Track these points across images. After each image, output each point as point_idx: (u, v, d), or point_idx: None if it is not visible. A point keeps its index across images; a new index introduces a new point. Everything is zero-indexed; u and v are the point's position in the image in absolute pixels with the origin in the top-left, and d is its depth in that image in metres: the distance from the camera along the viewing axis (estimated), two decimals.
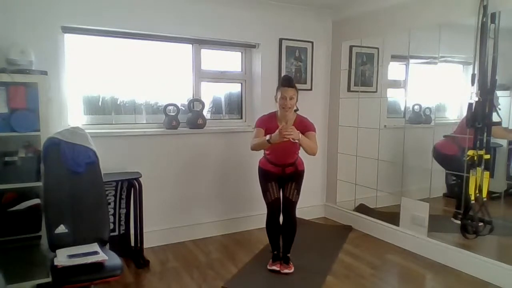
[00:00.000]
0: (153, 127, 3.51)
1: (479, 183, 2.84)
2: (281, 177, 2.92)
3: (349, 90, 4.07)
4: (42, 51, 2.78)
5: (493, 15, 2.72)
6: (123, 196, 3.23)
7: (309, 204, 4.15)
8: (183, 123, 3.57)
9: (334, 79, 4.19)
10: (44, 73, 2.60)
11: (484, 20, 2.73)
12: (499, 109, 2.83)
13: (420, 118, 3.74)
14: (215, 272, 2.96)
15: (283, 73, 3.87)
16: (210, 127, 3.67)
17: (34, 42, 2.75)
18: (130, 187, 3.19)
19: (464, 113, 2.87)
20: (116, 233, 3.22)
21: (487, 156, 2.82)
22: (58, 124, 2.77)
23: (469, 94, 2.83)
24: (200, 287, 2.74)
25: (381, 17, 3.57)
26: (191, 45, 3.64)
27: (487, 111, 2.78)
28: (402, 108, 3.75)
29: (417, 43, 3.29)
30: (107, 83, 3.36)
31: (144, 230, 3.15)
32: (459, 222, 3.03)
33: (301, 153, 2.84)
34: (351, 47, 4.01)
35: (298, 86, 3.83)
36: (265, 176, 2.95)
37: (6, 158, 2.56)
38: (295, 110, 2.86)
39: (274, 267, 2.94)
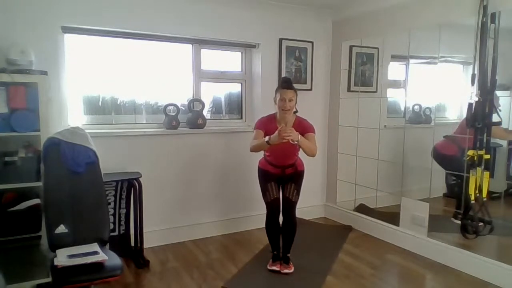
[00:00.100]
0: (153, 127, 3.51)
1: (479, 183, 2.84)
2: (280, 177, 2.93)
3: (349, 90, 4.07)
4: (42, 51, 2.78)
5: (493, 15, 2.72)
6: (123, 196, 3.23)
7: (309, 204, 4.15)
8: (183, 123, 3.57)
9: (334, 79, 4.19)
10: (44, 73, 2.60)
11: (484, 20, 2.73)
12: (500, 110, 2.83)
13: (420, 118, 3.74)
14: (215, 272, 2.96)
15: (283, 73, 3.88)
16: (210, 127, 3.67)
17: (34, 42, 2.75)
18: (130, 187, 3.19)
19: (464, 113, 2.87)
20: (116, 233, 3.22)
21: (487, 156, 2.82)
22: (58, 124, 2.77)
23: (469, 94, 2.83)
24: (200, 287, 2.74)
25: (381, 17, 3.57)
26: (191, 45, 3.64)
27: (487, 111, 2.78)
28: (402, 108, 3.75)
29: (417, 43, 3.29)
30: (107, 83, 3.36)
31: (144, 230, 3.15)
32: (459, 222, 3.03)
33: (301, 154, 2.84)
34: (351, 47, 4.01)
35: (298, 86, 3.86)
36: (264, 177, 2.95)
37: (6, 158, 2.56)
38: (295, 112, 2.87)
39: (274, 267, 2.94)
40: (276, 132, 2.52)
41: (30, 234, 2.56)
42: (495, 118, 2.82)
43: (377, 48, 3.92)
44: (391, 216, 3.60)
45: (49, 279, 2.31)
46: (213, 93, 3.91)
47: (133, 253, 3.16)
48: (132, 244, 3.24)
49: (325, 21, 4.12)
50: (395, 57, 3.83)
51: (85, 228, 2.31)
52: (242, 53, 3.94)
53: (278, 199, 2.93)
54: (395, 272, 3.10)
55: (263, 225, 3.03)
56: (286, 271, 2.90)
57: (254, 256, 3.24)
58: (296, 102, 2.80)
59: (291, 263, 2.96)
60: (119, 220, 3.24)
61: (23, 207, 2.58)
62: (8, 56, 2.57)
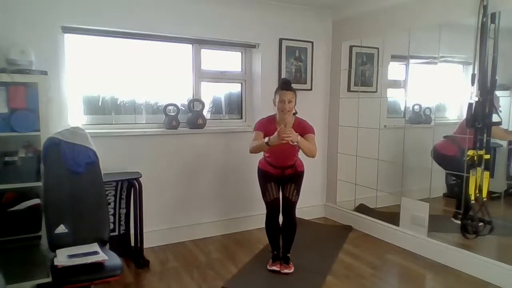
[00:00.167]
0: (153, 127, 3.51)
1: (479, 183, 2.84)
2: (280, 178, 2.93)
3: (349, 90, 4.07)
4: (42, 51, 2.78)
5: (493, 15, 2.72)
6: (123, 196, 3.23)
7: (309, 204, 4.15)
8: (183, 123, 3.57)
9: (334, 79, 4.19)
10: (44, 73, 2.60)
11: (484, 20, 2.73)
12: (500, 111, 2.83)
13: (420, 118, 3.74)
14: (215, 272, 2.96)
15: (283, 73, 3.88)
16: (210, 127, 3.67)
17: (34, 42, 2.75)
18: (130, 187, 3.19)
19: (464, 113, 2.87)
20: (116, 233, 3.22)
21: (487, 156, 2.82)
22: (58, 124, 2.77)
23: (469, 94, 2.83)
24: (200, 287, 2.74)
25: (381, 17, 3.57)
26: (191, 45, 3.64)
27: (487, 111, 2.78)
28: (402, 108, 3.75)
29: (417, 43, 3.28)
30: (107, 83, 3.36)
31: (144, 230, 3.15)
32: (459, 222, 3.04)
33: (301, 154, 2.84)
34: (351, 47, 4.01)
35: (298, 86, 3.88)
36: (264, 177, 2.95)
37: (6, 158, 2.56)
38: (294, 113, 2.87)
39: (274, 267, 2.94)
40: (276, 133, 2.52)
41: (30, 234, 2.56)
42: (495, 118, 2.82)
43: (377, 48, 3.92)
44: (391, 216, 3.60)
45: (49, 279, 2.31)
46: (213, 93, 3.91)
47: (133, 253, 3.16)
48: (132, 244, 3.24)
49: (325, 21, 4.12)
50: (395, 57, 3.83)
51: (85, 228, 2.31)
52: (242, 53, 3.94)
53: (277, 199, 2.93)
54: (395, 272, 3.10)
55: (263, 225, 3.03)
56: (286, 271, 2.90)
57: (254, 256, 3.24)
58: (295, 104, 2.81)
59: (291, 263, 2.96)
60: (119, 220, 3.24)
61: (23, 207, 2.58)
62: (8, 56, 2.57)
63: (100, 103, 3.37)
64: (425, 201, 3.27)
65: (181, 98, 3.68)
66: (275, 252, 3.01)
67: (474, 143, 2.85)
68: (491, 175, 2.87)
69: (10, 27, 2.74)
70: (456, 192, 3.26)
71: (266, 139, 2.62)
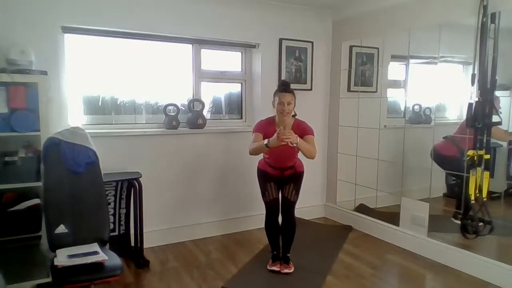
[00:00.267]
0: (153, 127, 3.51)
1: (479, 183, 2.84)
2: (280, 179, 2.93)
3: (349, 90, 4.07)
4: (42, 51, 2.77)
5: (493, 15, 2.72)
6: (123, 196, 3.23)
7: (309, 204, 4.15)
8: (183, 123, 3.57)
9: (334, 79, 4.19)
10: (44, 73, 2.60)
11: (484, 20, 2.73)
12: (500, 112, 2.83)
13: (420, 118, 3.74)
14: (215, 272, 2.96)
15: (283, 73, 3.88)
16: (210, 127, 3.67)
17: (34, 42, 2.75)
18: (130, 187, 3.19)
19: (464, 113, 2.87)
20: (116, 233, 3.22)
21: (487, 156, 2.83)
22: (58, 124, 2.77)
23: (469, 94, 2.83)
24: (200, 287, 2.74)
25: (381, 17, 3.57)
26: (191, 45, 3.64)
27: (487, 111, 2.78)
28: (402, 108, 3.75)
29: (417, 43, 3.28)
30: (107, 83, 3.36)
31: (144, 230, 3.15)
32: (459, 222, 3.04)
33: (301, 155, 2.84)
34: (351, 47, 4.01)
35: (298, 86, 3.89)
36: (264, 177, 2.96)
37: (6, 158, 2.56)
38: (293, 115, 2.87)
39: (274, 268, 2.94)
40: (275, 135, 2.53)
41: (30, 234, 2.56)
42: (495, 118, 2.82)
43: (377, 48, 3.92)
44: (391, 216, 3.60)
45: (49, 279, 2.31)
46: (213, 93, 3.91)
47: (133, 253, 3.16)
48: (132, 244, 3.24)
49: (325, 21, 4.12)
50: (395, 57, 3.83)
51: (85, 228, 2.31)
52: (242, 53, 3.94)
53: (277, 199, 2.93)
54: (395, 272, 3.10)
55: (263, 225, 3.03)
56: (286, 271, 2.90)
57: (254, 256, 3.24)
58: (294, 105, 2.81)
59: (291, 263, 2.96)
60: (119, 220, 3.24)
61: (23, 207, 2.58)
62: (8, 56, 2.57)
63: (100, 103, 3.37)
64: (425, 201, 3.27)
65: (181, 98, 3.68)
66: (275, 252, 3.01)
67: (474, 143, 2.85)
68: (491, 175, 2.87)
69: (10, 27, 2.74)
70: (456, 192, 3.26)
71: (266, 141, 2.63)
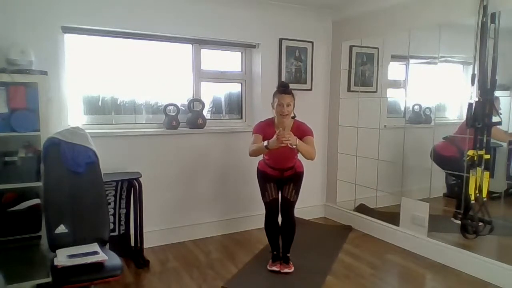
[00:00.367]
0: (153, 127, 3.51)
1: (479, 183, 2.84)
2: (279, 179, 2.93)
3: (349, 90, 4.07)
4: (42, 51, 2.77)
5: (493, 15, 2.72)
6: (123, 196, 3.23)
7: (309, 204, 4.15)
8: (183, 123, 3.57)
9: (334, 79, 4.19)
10: (44, 73, 2.60)
11: (484, 20, 2.73)
12: (500, 113, 2.84)
13: (420, 118, 3.74)
14: (215, 272, 2.96)
15: (283, 73, 3.88)
16: (210, 127, 3.67)
17: (34, 42, 2.75)
18: (130, 187, 3.19)
19: (464, 114, 2.87)
20: (116, 233, 3.22)
21: (487, 156, 2.83)
22: (58, 124, 2.77)
23: (469, 94, 2.84)
24: (200, 287, 2.74)
25: (381, 17, 3.57)
26: (191, 45, 3.64)
27: (487, 111, 2.78)
28: (402, 108, 3.75)
29: (417, 43, 3.28)
30: (107, 83, 3.36)
31: (144, 230, 3.15)
32: (459, 222, 3.04)
33: (300, 156, 2.84)
34: (351, 47, 4.01)
35: (298, 86, 3.89)
36: (264, 178, 2.96)
37: (6, 158, 2.56)
38: (293, 117, 2.87)
39: (274, 268, 2.94)
40: (275, 136, 2.53)
41: (30, 234, 2.56)
42: (495, 118, 2.82)
43: (377, 48, 3.92)
44: (391, 216, 3.60)
45: (49, 279, 2.31)
46: (213, 93, 3.91)
47: (133, 253, 3.16)
48: (132, 244, 3.24)
49: (325, 21, 4.12)
50: (395, 57, 3.83)
51: (85, 228, 2.30)
52: (242, 53, 3.94)
53: (276, 199, 2.93)
54: (395, 272, 3.10)
55: (263, 225, 3.03)
56: (286, 270, 2.90)
57: (254, 256, 3.24)
58: (294, 107, 2.81)
59: (291, 262, 2.96)
60: (119, 220, 3.24)
61: (23, 207, 2.58)
62: (8, 56, 2.57)
63: (100, 103, 3.37)
64: (425, 201, 3.27)
65: (181, 98, 3.68)
66: (274, 252, 3.01)
67: (474, 143, 2.85)
68: (491, 175, 2.87)
69: (10, 27, 2.74)
70: (456, 192, 3.26)
71: (265, 142, 2.63)
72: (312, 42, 4.03)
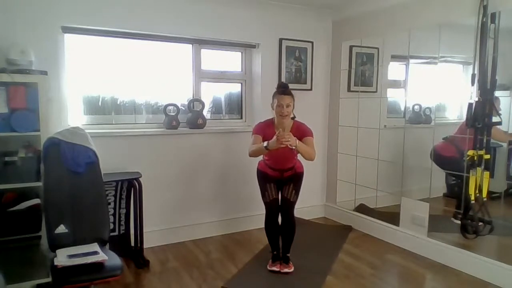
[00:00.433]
0: (153, 127, 3.51)
1: (479, 183, 2.84)
2: (279, 179, 2.94)
3: (349, 90, 4.07)
4: (42, 51, 2.77)
5: (493, 15, 2.72)
6: (123, 196, 3.23)
7: (309, 204, 4.15)
8: (183, 123, 3.57)
9: (334, 79, 4.19)
10: (44, 73, 2.60)
11: (484, 20, 2.73)
12: (500, 114, 2.84)
13: (420, 118, 3.74)
14: (215, 272, 2.96)
15: (283, 73, 3.88)
16: (210, 127, 3.67)
17: (34, 42, 2.75)
18: (130, 187, 3.19)
19: (464, 114, 2.87)
20: (116, 233, 3.22)
21: (487, 156, 2.83)
22: (58, 124, 2.77)
23: (469, 94, 2.84)
24: (200, 287, 2.74)
25: (381, 17, 3.57)
26: (191, 45, 3.64)
27: (487, 111, 2.78)
28: (402, 108, 3.75)
29: (417, 43, 3.28)
30: (107, 83, 3.36)
31: (144, 230, 3.15)
32: (459, 222, 3.04)
33: (300, 156, 2.84)
34: (351, 47, 4.01)
35: (298, 86, 3.89)
36: (264, 178, 2.97)
37: (6, 158, 2.56)
38: (292, 118, 2.87)
39: (274, 268, 2.94)
40: (274, 137, 2.53)
41: (30, 234, 2.56)
42: (495, 118, 2.82)
43: (377, 48, 3.92)
44: (391, 216, 3.60)
45: (49, 279, 2.31)
46: (213, 93, 3.91)
47: (133, 253, 3.16)
48: (132, 244, 3.24)
49: (325, 21, 4.12)
50: (395, 57, 3.83)
51: (85, 228, 2.31)
52: (242, 53, 3.94)
53: (276, 199, 2.93)
54: (395, 272, 3.10)
55: (263, 225, 3.03)
56: (286, 270, 2.90)
57: (254, 256, 3.24)
58: (293, 107, 2.81)
59: (291, 262, 2.96)
60: (119, 220, 3.24)
61: (23, 207, 2.58)
62: (8, 56, 2.57)
63: (100, 103, 3.37)
64: (425, 201, 3.27)
65: (181, 98, 3.68)
66: (274, 252, 3.01)
67: (474, 143, 2.85)
68: (491, 175, 2.87)
69: (10, 27, 2.73)
70: (456, 192, 3.26)
71: (265, 143, 2.63)
72: (312, 42, 4.03)
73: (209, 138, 3.65)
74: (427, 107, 3.64)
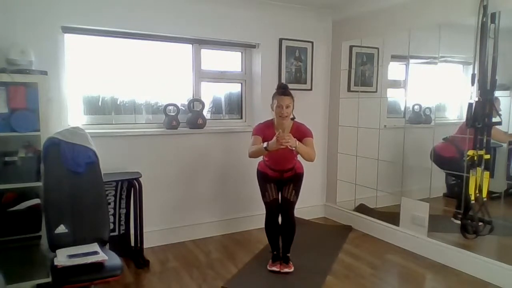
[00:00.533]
0: (153, 127, 3.51)
1: (479, 183, 2.84)
2: (279, 180, 2.94)
3: (349, 90, 4.07)
4: (42, 51, 2.77)
5: (493, 15, 2.72)
6: (123, 196, 3.23)
7: (309, 204, 4.15)
8: (183, 123, 3.57)
9: (334, 79, 4.19)
10: (44, 73, 2.60)
11: (484, 20, 2.73)
12: (500, 114, 2.84)
13: (420, 118, 3.74)
14: (215, 272, 2.96)
15: (283, 73, 3.88)
16: (210, 127, 3.67)
17: (34, 42, 2.75)
18: (130, 187, 3.19)
19: (464, 114, 2.87)
20: (116, 233, 3.22)
21: (487, 156, 2.83)
22: (58, 124, 2.77)
23: (469, 94, 2.84)
24: (200, 287, 2.74)
25: (381, 17, 3.57)
26: (191, 45, 3.64)
27: (487, 111, 2.78)
28: (402, 108, 3.75)
29: (417, 43, 3.28)
30: (107, 83, 3.36)
31: (144, 230, 3.15)
32: (459, 222, 3.04)
33: (300, 157, 2.84)
34: (351, 47, 4.01)
35: (298, 86, 3.89)
36: (264, 179, 2.97)
37: (6, 158, 2.56)
38: (292, 119, 2.87)
39: (274, 268, 2.94)
40: (274, 138, 2.53)
41: (30, 234, 2.56)
42: (495, 118, 2.82)
43: (377, 48, 3.92)
44: (391, 216, 3.60)
45: (49, 279, 2.31)
46: (213, 93, 3.91)
47: (133, 253, 3.16)
48: (132, 244, 3.24)
49: (325, 21, 4.12)
50: (395, 57, 3.83)
51: (85, 228, 2.31)
52: (242, 53, 3.94)
53: (276, 199, 2.93)
54: (395, 272, 3.10)
55: (263, 225, 3.03)
56: (286, 270, 2.90)
57: (254, 256, 3.24)
58: (293, 108, 2.81)
59: (291, 262, 2.96)
60: (119, 220, 3.24)
61: (23, 207, 2.58)
62: (8, 56, 2.57)
63: (100, 103, 3.37)
64: (425, 201, 3.27)
65: (181, 98, 3.68)
66: (275, 252, 3.01)
67: (474, 143, 2.85)
68: (491, 175, 2.87)
69: (10, 27, 2.73)
70: (456, 192, 3.26)
71: (265, 144, 2.63)
72: (312, 42, 4.03)
73: (209, 138, 3.65)
74: (427, 107, 3.64)
